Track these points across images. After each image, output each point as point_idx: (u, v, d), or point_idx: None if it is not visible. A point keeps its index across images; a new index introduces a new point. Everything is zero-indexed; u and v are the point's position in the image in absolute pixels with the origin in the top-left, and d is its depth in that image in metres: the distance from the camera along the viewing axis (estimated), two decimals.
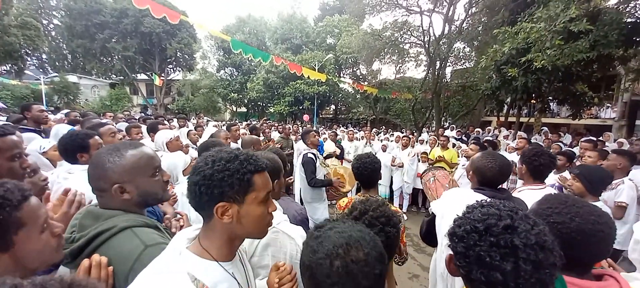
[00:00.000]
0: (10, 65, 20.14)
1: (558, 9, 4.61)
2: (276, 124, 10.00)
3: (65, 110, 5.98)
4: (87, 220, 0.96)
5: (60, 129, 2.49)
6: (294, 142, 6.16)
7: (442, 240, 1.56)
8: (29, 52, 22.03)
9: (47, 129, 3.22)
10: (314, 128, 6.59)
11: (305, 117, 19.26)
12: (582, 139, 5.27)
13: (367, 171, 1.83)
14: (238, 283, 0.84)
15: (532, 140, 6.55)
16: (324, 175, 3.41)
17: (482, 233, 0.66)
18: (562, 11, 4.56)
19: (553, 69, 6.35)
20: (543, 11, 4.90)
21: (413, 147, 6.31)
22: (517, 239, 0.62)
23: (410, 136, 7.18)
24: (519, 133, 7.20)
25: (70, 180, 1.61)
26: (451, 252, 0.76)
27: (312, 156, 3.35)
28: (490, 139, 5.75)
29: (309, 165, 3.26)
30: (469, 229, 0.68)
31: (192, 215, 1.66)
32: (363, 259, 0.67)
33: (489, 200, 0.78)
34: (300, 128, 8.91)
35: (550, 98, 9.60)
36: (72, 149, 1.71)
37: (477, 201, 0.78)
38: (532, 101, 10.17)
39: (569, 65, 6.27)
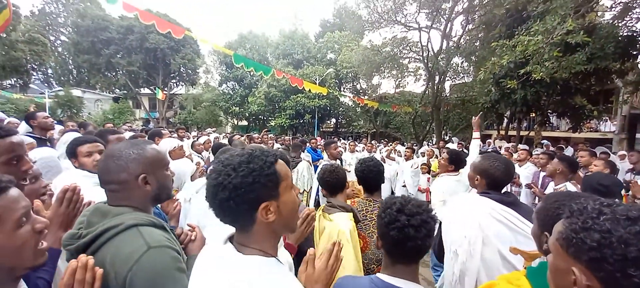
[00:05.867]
0: (15, 79, 20.50)
1: (555, 22, 4.74)
2: (276, 137, 10.12)
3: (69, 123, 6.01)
4: (95, 217, 0.94)
5: (69, 137, 2.52)
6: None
7: (450, 246, 1.53)
8: (35, 67, 22.48)
9: (51, 137, 3.27)
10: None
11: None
12: (580, 152, 5.29)
13: (371, 174, 1.84)
14: None
15: (533, 153, 6.56)
16: None
17: None
18: (558, 24, 4.68)
19: (552, 81, 6.44)
20: (540, 24, 5.02)
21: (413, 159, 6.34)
22: None
23: (414, 148, 7.24)
24: (520, 146, 7.21)
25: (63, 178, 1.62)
26: (572, 268, 0.66)
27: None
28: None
29: None
30: (637, 229, 0.60)
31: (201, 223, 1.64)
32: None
33: (600, 198, 0.71)
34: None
35: (549, 111, 9.67)
36: (67, 155, 1.76)
37: (586, 200, 0.71)
38: (532, 114, 10.24)
39: (567, 78, 6.37)
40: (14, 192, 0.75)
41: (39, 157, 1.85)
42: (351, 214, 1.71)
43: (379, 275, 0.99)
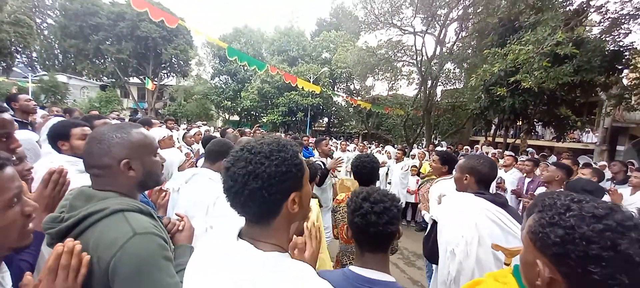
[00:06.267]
0: None
1: (545, 33, 4.88)
2: (268, 133, 10.05)
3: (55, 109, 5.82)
4: (79, 201, 0.91)
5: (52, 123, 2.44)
6: None
7: (446, 246, 1.51)
8: (20, 50, 21.63)
9: (33, 121, 3.15)
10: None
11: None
12: (564, 160, 5.47)
13: (366, 169, 1.87)
14: None
15: (519, 160, 6.74)
16: (331, 186, 3.48)
17: (616, 229, 0.58)
18: (549, 35, 4.82)
19: (539, 91, 6.63)
20: (531, 35, 5.16)
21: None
22: None
23: (405, 150, 7.32)
24: (506, 152, 7.39)
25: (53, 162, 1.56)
26: (538, 261, 0.67)
27: (320, 165, 3.41)
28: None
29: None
30: (600, 227, 0.59)
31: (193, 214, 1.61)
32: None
33: (574, 194, 0.70)
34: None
35: (535, 120, 9.94)
36: (53, 136, 1.67)
37: (558, 196, 0.70)
38: (519, 122, 10.51)
39: (554, 88, 6.56)
40: (9, 170, 0.72)
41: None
42: (317, 200, 1.92)
43: (350, 267, 1.02)
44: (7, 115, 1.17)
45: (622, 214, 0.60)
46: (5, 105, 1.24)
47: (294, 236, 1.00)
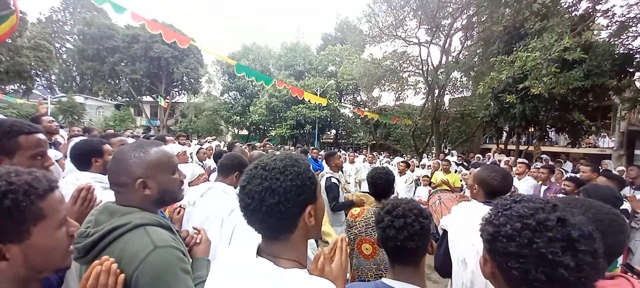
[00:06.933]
0: (18, 84, 20.67)
1: (552, 39, 4.85)
2: (277, 147, 10.15)
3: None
4: (103, 216, 0.96)
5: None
6: None
7: (458, 256, 1.44)
8: (39, 73, 22.70)
9: (56, 141, 3.30)
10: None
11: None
12: (582, 167, 5.31)
13: (381, 181, 1.86)
14: None
15: (533, 167, 6.58)
16: (345, 199, 3.44)
17: (535, 229, 0.61)
18: (556, 41, 4.79)
19: (550, 97, 6.53)
20: (537, 41, 5.13)
21: (413, 171, 6.31)
22: (574, 231, 0.59)
23: (410, 163, 7.15)
24: (519, 159, 7.23)
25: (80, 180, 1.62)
26: (483, 255, 0.72)
27: (336, 180, 3.34)
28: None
29: (332, 190, 3.23)
30: (519, 226, 0.62)
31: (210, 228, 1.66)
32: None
33: (519, 196, 0.73)
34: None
35: (548, 126, 9.74)
36: (87, 153, 1.71)
37: (505, 199, 0.73)
38: (531, 129, 10.32)
39: (565, 93, 6.46)
40: (58, 193, 0.76)
41: None
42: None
43: (383, 279, 1.01)
44: (42, 135, 1.23)
45: (548, 214, 0.62)
46: (38, 126, 1.30)
47: (320, 249, 1.01)
